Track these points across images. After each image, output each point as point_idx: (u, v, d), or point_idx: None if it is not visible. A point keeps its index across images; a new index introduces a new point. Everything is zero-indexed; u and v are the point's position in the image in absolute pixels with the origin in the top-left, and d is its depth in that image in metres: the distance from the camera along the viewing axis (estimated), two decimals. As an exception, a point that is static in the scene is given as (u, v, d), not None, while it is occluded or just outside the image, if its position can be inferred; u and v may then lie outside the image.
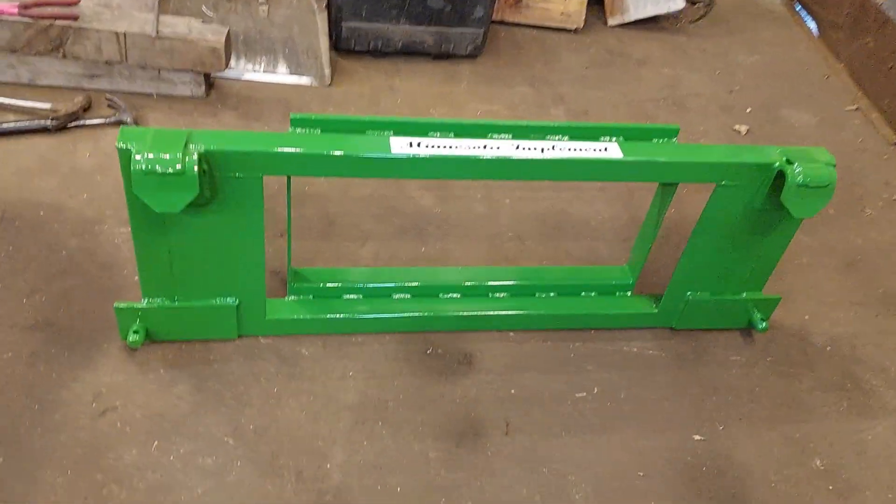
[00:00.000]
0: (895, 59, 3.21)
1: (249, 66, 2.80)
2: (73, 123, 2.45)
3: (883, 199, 2.82)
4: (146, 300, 1.83)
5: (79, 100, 2.48)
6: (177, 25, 2.51)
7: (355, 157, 1.63)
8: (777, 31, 3.75)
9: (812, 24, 3.84)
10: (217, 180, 1.61)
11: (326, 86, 2.84)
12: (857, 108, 3.27)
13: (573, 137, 1.83)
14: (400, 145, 1.67)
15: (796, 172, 1.76)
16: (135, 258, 1.79)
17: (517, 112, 2.92)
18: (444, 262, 2.27)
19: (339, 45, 2.94)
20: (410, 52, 3.02)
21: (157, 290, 1.82)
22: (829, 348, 2.23)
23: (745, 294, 2.13)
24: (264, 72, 2.81)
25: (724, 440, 1.95)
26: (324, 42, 2.81)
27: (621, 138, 1.86)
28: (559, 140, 1.79)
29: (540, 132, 1.82)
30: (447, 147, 1.69)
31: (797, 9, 3.93)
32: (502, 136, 1.79)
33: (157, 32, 2.45)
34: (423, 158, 1.65)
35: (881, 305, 2.39)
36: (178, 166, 1.49)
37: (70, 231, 2.16)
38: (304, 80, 2.83)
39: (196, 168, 1.51)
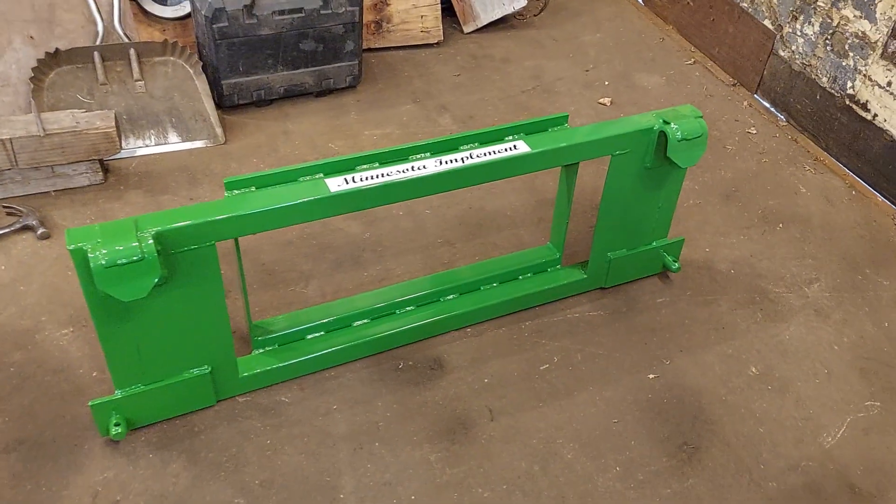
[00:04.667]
0: (714, 13, 3.65)
1: (140, 142, 2.80)
2: (-23, 240, 2.38)
3: (738, 134, 3.21)
4: (119, 391, 1.85)
5: (-24, 215, 2.41)
6: (62, 120, 2.48)
7: (300, 205, 1.74)
8: (609, 9, 4.13)
9: (637, -5, 4.26)
10: (172, 257, 1.67)
11: (221, 144, 2.89)
12: (694, 62, 3.68)
13: (482, 143, 2.02)
14: (336, 184, 1.79)
15: (674, 130, 2.03)
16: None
17: (409, 129, 3.09)
18: (388, 282, 2.40)
19: (223, 103, 2.99)
20: (293, 94, 3.11)
21: (128, 380, 1.84)
22: (732, 271, 2.55)
23: (654, 243, 2.40)
24: (156, 144, 2.82)
25: (673, 372, 2.21)
26: (209, 103, 2.86)
27: (523, 134, 2.06)
28: (472, 147, 1.97)
29: (453, 144, 1.99)
30: (379, 176, 1.83)
31: (621, -16, 4.34)
32: (422, 154, 1.94)
33: (45, 131, 2.42)
34: (361, 191, 1.79)
35: (764, 223, 2.75)
36: (141, 254, 1.54)
37: (11, 346, 2.11)
38: (199, 144, 2.87)
39: (155, 251, 1.56)
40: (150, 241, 1.57)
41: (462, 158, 1.90)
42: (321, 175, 1.86)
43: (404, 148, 1.95)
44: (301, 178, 1.86)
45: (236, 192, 1.81)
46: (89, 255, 1.53)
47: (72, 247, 1.55)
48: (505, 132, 2.05)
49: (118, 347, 1.76)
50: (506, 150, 1.94)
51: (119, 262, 1.54)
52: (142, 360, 1.81)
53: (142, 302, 1.69)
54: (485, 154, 1.92)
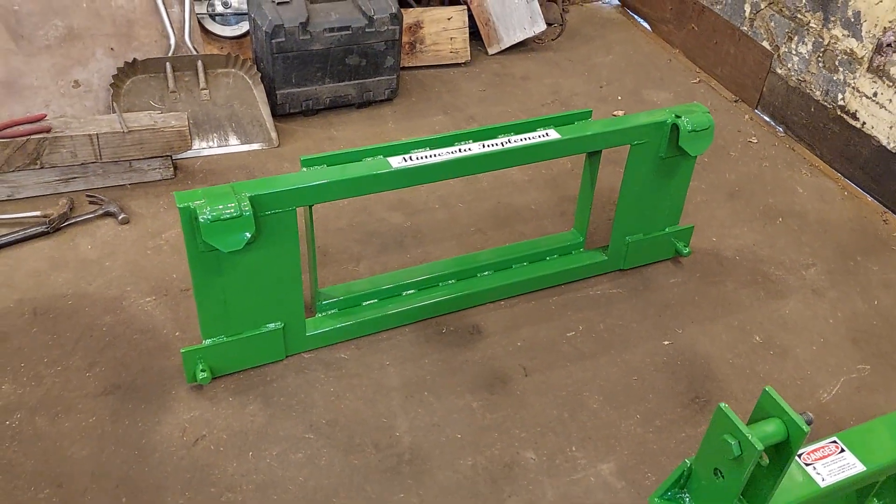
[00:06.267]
0: (717, 37, 4.00)
1: (204, 144, 3.12)
2: (65, 223, 2.68)
3: (740, 143, 3.52)
4: (207, 340, 2.13)
5: (64, 202, 2.72)
6: (141, 119, 2.81)
7: (367, 177, 2.04)
8: (620, 34, 4.49)
9: (644, 23, 4.63)
10: (260, 219, 1.97)
11: (275, 147, 3.21)
12: (699, 81, 4.02)
13: (518, 132, 2.33)
14: (396, 162, 2.10)
15: (685, 122, 2.34)
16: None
17: (440, 137, 3.41)
18: (429, 262, 2.69)
19: (276, 111, 3.32)
20: (337, 105, 3.45)
21: (215, 330, 2.12)
22: (737, 257, 2.84)
23: (667, 229, 2.69)
24: (218, 146, 3.14)
25: (685, 340, 2.48)
26: (265, 110, 3.19)
27: (553, 126, 2.37)
28: (511, 136, 2.28)
29: (493, 133, 2.30)
30: (432, 156, 2.13)
31: (630, 13, 4.72)
32: (466, 141, 2.25)
33: (127, 128, 2.74)
34: (418, 168, 2.09)
35: (765, 218, 3.04)
36: (239, 211, 1.84)
37: (101, 310, 2.40)
38: (255, 146, 3.19)
39: (251, 210, 1.86)
40: (247, 202, 1.87)
41: (502, 143, 2.21)
42: (382, 156, 2.16)
43: (451, 135, 2.25)
44: (364, 159, 2.16)
45: (311, 168, 2.11)
46: (198, 211, 1.83)
47: (181, 206, 1.86)
48: (537, 124, 2.36)
49: (209, 299, 2.05)
50: (540, 136, 2.25)
51: (222, 217, 1.84)
52: (227, 312, 2.09)
53: (232, 258, 1.98)
54: (523, 139, 2.23)
